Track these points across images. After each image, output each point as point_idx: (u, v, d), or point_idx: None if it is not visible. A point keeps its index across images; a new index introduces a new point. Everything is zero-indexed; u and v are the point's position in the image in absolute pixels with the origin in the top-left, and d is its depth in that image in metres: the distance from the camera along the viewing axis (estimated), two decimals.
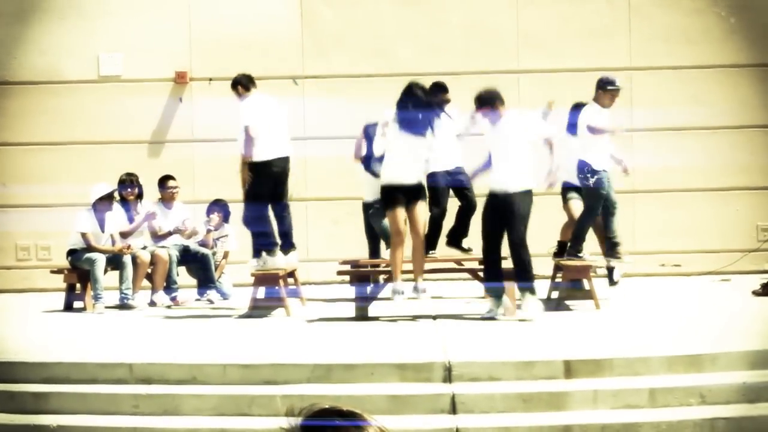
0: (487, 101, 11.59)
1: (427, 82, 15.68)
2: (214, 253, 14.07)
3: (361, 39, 16.10)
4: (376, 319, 11.76)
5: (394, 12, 16.14)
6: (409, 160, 11.42)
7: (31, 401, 9.29)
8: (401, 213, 11.33)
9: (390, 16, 16.13)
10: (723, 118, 15.92)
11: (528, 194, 11.28)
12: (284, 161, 12.44)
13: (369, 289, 12.47)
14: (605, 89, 12.82)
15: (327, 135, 15.67)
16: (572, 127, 13.02)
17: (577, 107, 13.25)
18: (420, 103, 11.60)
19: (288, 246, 12.52)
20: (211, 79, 15.98)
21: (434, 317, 11.72)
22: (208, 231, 14.09)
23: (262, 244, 12.38)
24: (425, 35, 16.12)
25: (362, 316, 11.76)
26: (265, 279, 12.59)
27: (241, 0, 15.92)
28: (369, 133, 12.88)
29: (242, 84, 12.63)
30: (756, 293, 13.20)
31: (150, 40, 15.89)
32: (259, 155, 12.18)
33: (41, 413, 9.14)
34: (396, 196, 11.35)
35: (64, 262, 13.81)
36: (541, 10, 16.17)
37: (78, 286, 13.54)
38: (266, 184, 12.28)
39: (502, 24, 16.12)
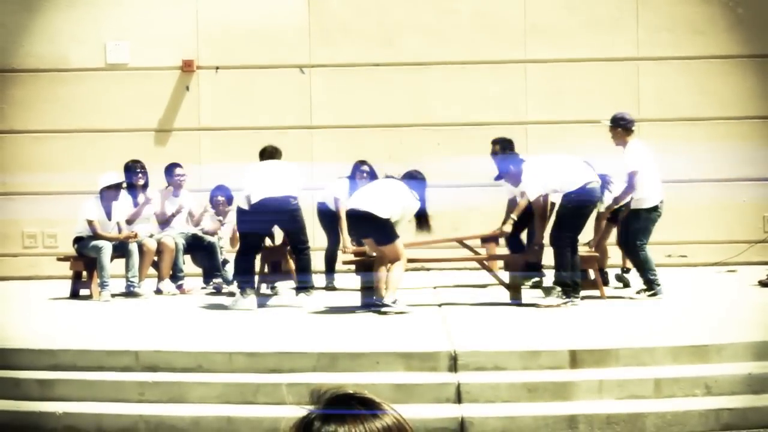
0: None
1: (434, 72, 15.77)
2: (219, 239, 14.07)
3: (368, 28, 16.09)
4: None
5: (401, 1, 16.12)
6: None
7: (36, 388, 9.31)
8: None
9: (397, 5, 16.11)
10: (729, 108, 15.89)
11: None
12: (275, 201, 12.14)
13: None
14: None
15: (333, 124, 15.67)
16: None
17: None
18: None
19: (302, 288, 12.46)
20: (218, 68, 15.98)
21: (439, 305, 11.74)
22: (221, 222, 14.06)
23: (241, 283, 12.42)
24: (432, 24, 16.10)
25: (367, 304, 11.76)
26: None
27: None
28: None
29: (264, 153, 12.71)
30: (762, 284, 13.19)
31: (157, 29, 15.89)
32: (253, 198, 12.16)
33: (47, 400, 9.17)
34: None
35: (70, 250, 13.83)
36: (549, 0, 16.14)
37: (84, 273, 13.56)
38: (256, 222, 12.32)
39: (509, 13, 16.10)
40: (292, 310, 12.00)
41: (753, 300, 12.21)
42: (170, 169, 14.18)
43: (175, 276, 13.78)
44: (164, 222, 13.98)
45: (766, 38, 16.09)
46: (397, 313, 11.23)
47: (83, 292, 13.48)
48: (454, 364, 9.02)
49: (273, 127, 15.76)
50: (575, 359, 9.09)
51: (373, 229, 11.54)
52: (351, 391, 2.20)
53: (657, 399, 8.78)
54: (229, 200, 14.16)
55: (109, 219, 13.50)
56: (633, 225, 12.33)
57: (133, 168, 13.89)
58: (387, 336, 9.95)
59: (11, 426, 8.96)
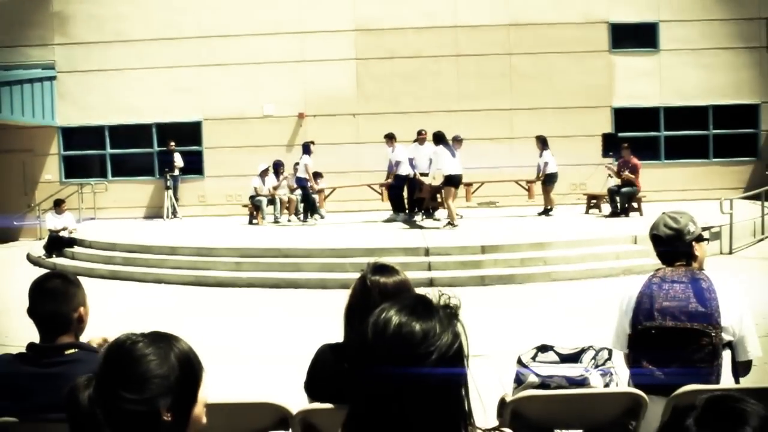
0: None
1: (460, 116, 14.97)
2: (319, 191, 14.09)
3: (393, 95, 15.74)
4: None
5: (414, 83, 15.73)
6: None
7: (233, 266, 9.41)
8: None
9: (413, 84, 15.72)
10: None
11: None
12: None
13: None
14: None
15: (374, 140, 15.48)
16: None
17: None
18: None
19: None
20: (315, 116, 15.92)
21: (421, 228, 11.68)
22: (320, 189, 14.07)
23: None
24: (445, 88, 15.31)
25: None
26: None
27: (326, 73, 15.70)
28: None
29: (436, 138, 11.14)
30: None
31: (285, 95, 15.81)
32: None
33: (238, 271, 9.22)
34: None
35: (247, 202, 13.97)
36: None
37: (254, 213, 13.70)
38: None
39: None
40: (354, 226, 11.81)
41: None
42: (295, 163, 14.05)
43: (298, 213, 13.85)
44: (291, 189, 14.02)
45: None
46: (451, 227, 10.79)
47: (254, 222, 13.61)
48: (427, 252, 9.08)
49: (332, 143, 15.64)
50: (484, 249, 9.14)
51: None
52: (385, 263, 2.32)
53: (522, 267, 8.64)
54: (320, 175, 14.11)
55: (264, 185, 13.65)
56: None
57: (277, 163, 14.03)
58: (397, 240, 9.88)
59: (221, 283, 9.13)
